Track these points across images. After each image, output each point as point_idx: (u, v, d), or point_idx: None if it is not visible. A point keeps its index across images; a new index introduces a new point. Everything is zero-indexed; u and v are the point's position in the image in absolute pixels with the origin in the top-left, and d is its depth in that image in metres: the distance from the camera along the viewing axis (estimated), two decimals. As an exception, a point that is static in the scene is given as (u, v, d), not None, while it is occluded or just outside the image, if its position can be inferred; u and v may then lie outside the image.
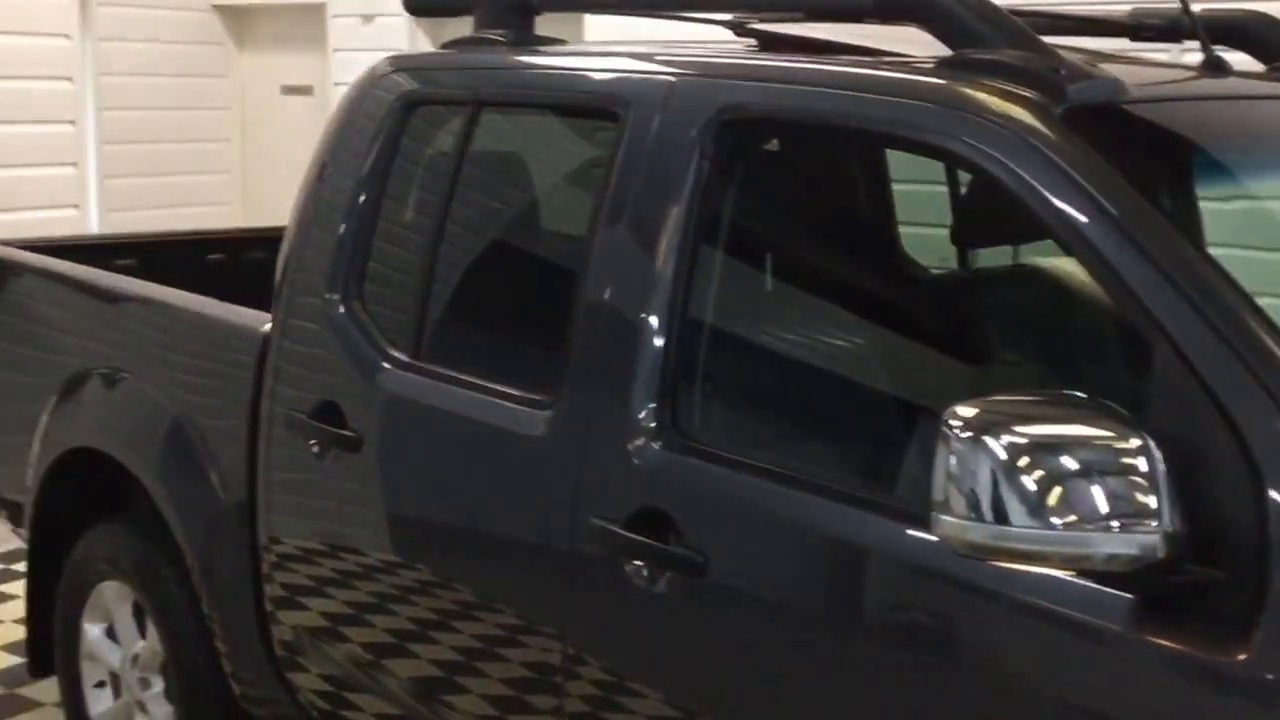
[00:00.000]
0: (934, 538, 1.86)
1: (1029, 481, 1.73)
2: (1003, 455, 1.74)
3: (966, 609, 2.02)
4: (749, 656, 2.28)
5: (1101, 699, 1.87)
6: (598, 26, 6.02)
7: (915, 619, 2.09)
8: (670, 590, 2.32)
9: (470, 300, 2.97)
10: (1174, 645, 1.80)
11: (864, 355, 2.69)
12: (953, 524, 1.77)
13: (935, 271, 3.24)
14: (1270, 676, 1.73)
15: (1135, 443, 1.75)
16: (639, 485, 2.39)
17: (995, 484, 1.74)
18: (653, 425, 2.39)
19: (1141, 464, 1.74)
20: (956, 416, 1.78)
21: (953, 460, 1.76)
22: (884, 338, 2.71)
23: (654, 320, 2.42)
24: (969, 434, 1.75)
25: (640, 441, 2.39)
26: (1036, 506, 1.73)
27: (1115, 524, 1.73)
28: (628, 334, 2.44)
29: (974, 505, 1.75)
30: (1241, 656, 1.74)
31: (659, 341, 2.42)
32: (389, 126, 3.00)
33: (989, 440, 1.75)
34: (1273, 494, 1.76)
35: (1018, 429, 1.75)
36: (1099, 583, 1.85)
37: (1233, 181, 2.63)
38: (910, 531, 2.03)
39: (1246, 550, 1.76)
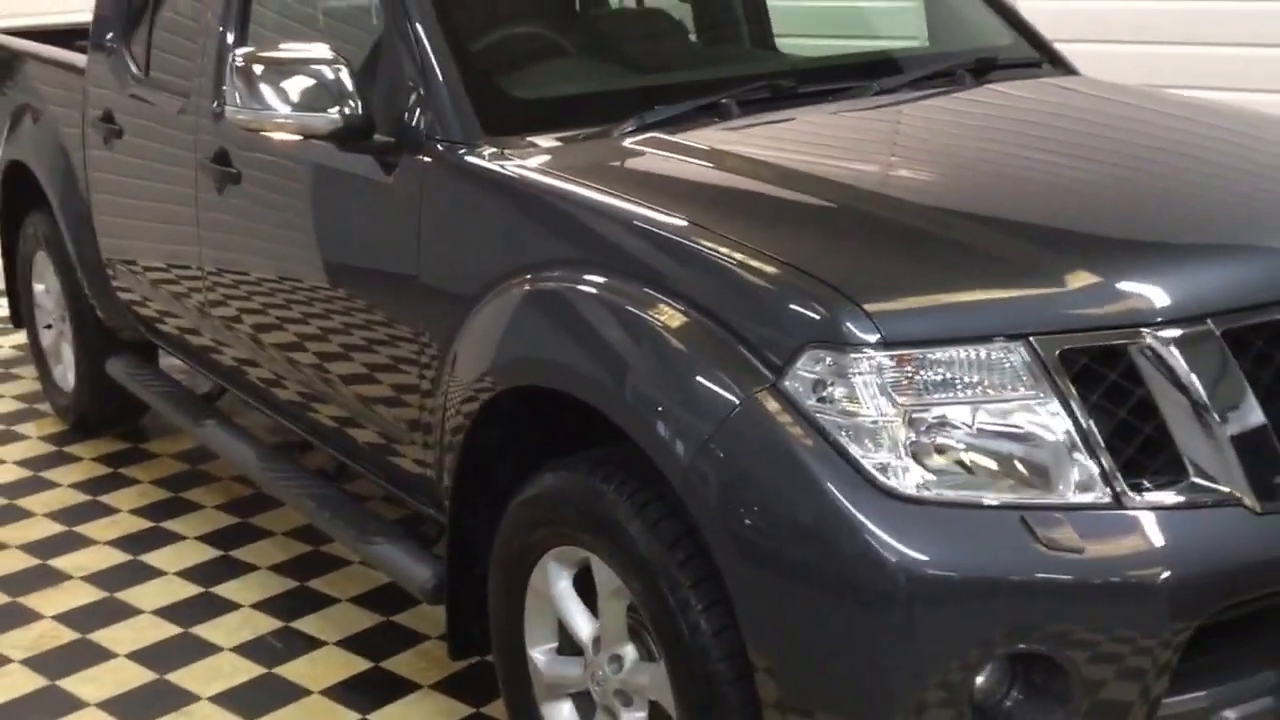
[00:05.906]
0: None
1: (274, 83, 3.16)
2: (258, 69, 3.16)
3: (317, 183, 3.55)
4: (265, 226, 3.87)
5: (361, 217, 3.39)
6: None
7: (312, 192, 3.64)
8: (229, 194, 3.93)
9: None
10: (365, 177, 3.26)
11: None
12: (232, 111, 3.28)
13: None
14: (403, 189, 3.21)
15: (330, 57, 3.15)
16: (219, 136, 3.95)
17: (255, 88, 3.20)
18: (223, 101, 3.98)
19: (327, 72, 3.18)
20: (237, 56, 3.23)
21: (236, 78, 3.24)
22: None
23: (218, 37, 3.98)
24: (242, 62, 3.19)
25: (220, 109, 3.98)
26: (278, 99, 3.16)
27: (321, 110, 3.20)
28: (209, 49, 4.02)
29: (245, 101, 3.21)
30: (389, 180, 3.22)
31: (220, 48, 3.97)
32: None
33: (254, 66, 3.16)
34: (417, 84, 3.19)
35: (266, 55, 3.19)
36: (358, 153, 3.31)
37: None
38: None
39: (404, 125, 3.25)
